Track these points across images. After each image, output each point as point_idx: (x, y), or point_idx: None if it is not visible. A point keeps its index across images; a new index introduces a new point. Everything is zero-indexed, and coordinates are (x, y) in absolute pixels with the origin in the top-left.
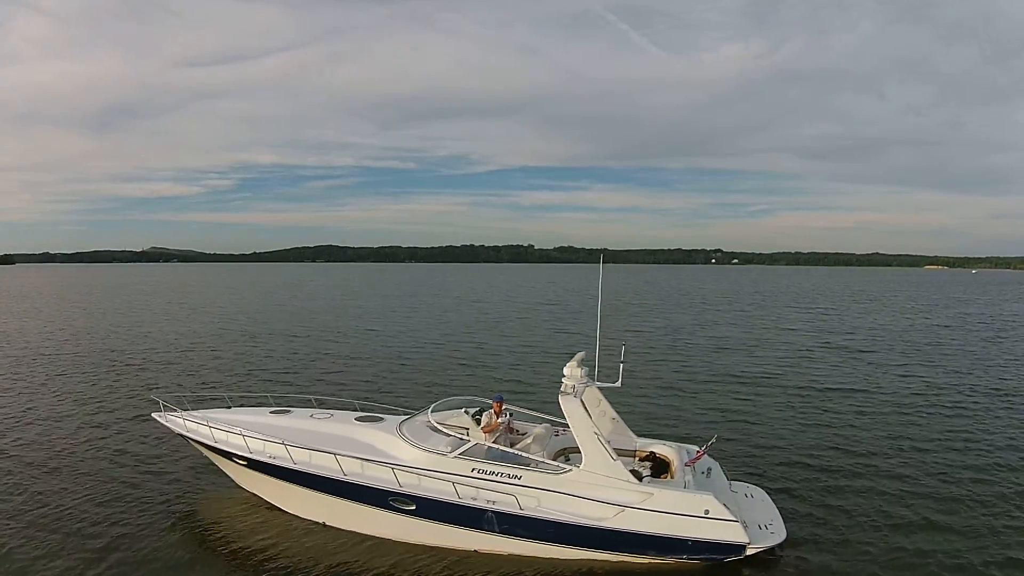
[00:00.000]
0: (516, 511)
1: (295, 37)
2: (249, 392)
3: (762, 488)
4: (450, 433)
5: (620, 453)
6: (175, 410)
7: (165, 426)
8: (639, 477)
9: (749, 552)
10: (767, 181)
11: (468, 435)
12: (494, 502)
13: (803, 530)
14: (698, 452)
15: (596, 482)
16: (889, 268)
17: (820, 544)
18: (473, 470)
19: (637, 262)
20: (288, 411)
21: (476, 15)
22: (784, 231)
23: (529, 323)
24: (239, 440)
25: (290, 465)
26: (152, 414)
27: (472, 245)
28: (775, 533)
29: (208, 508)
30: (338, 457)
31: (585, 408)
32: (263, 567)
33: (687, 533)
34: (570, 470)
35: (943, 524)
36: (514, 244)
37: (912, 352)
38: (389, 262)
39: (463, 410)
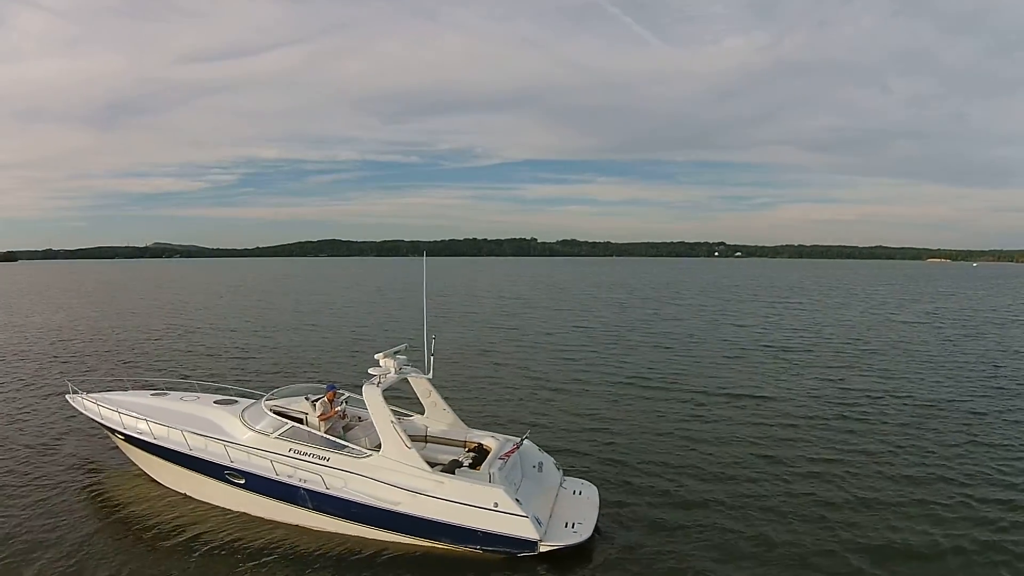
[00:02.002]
0: (323, 490)
1: (298, 31)
2: (156, 377)
3: (597, 487)
4: (277, 416)
5: (450, 443)
6: (79, 393)
7: (73, 407)
8: (458, 466)
9: (543, 549)
10: (770, 174)
11: (306, 419)
12: (305, 480)
13: (623, 533)
14: (513, 447)
15: (392, 468)
16: (891, 261)
17: (631, 549)
18: (290, 450)
19: (640, 255)
20: (165, 393)
21: (479, 8)
22: (787, 224)
23: (466, 316)
24: (117, 417)
25: (149, 439)
26: (65, 396)
27: (475, 239)
28: (577, 533)
29: (103, 481)
30: (185, 433)
31: (384, 398)
32: (124, 534)
33: (476, 524)
34: (371, 455)
35: (766, 546)
36: (517, 238)
37: (834, 353)
38: (392, 256)
39: (304, 396)
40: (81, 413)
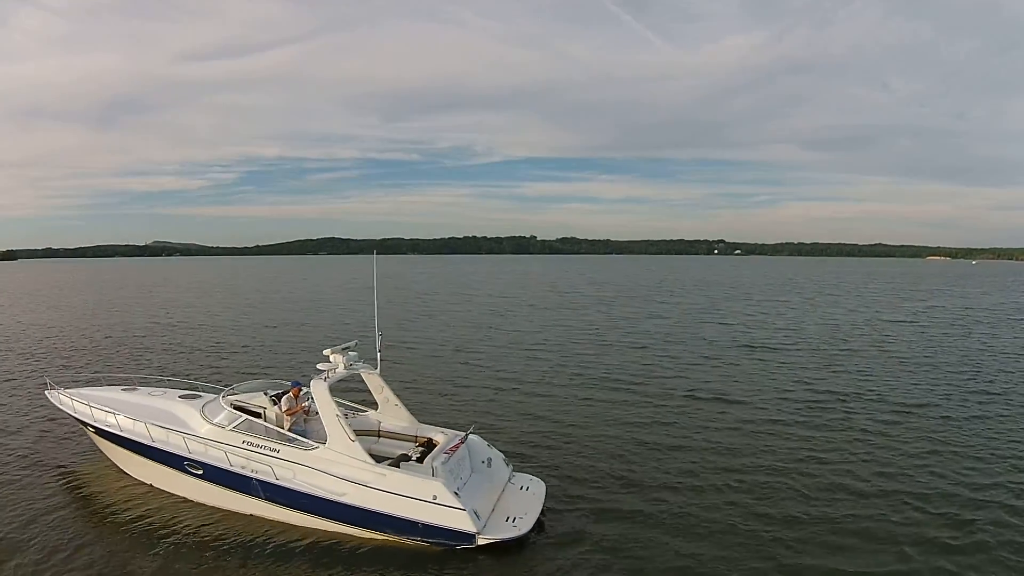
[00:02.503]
0: (274, 480)
1: (298, 29)
2: (133, 373)
3: (545, 483)
4: (234, 410)
5: (401, 438)
6: (55, 388)
7: (51, 402)
8: (406, 460)
9: (481, 542)
10: (770, 172)
11: (264, 413)
12: (257, 471)
13: (566, 529)
14: (458, 441)
15: (337, 460)
16: (891, 259)
17: (571, 545)
18: (244, 442)
19: (639, 253)
20: (135, 388)
21: (479, 6)
22: (787, 221)
23: (446, 314)
24: (89, 411)
25: (117, 431)
26: (45, 392)
27: (475, 237)
28: (517, 527)
29: (76, 472)
30: (149, 426)
31: (331, 392)
32: (89, 522)
33: (416, 516)
34: (317, 447)
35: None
36: (516, 235)
37: (811, 353)
38: (391, 254)
39: (263, 391)
40: (58, 408)
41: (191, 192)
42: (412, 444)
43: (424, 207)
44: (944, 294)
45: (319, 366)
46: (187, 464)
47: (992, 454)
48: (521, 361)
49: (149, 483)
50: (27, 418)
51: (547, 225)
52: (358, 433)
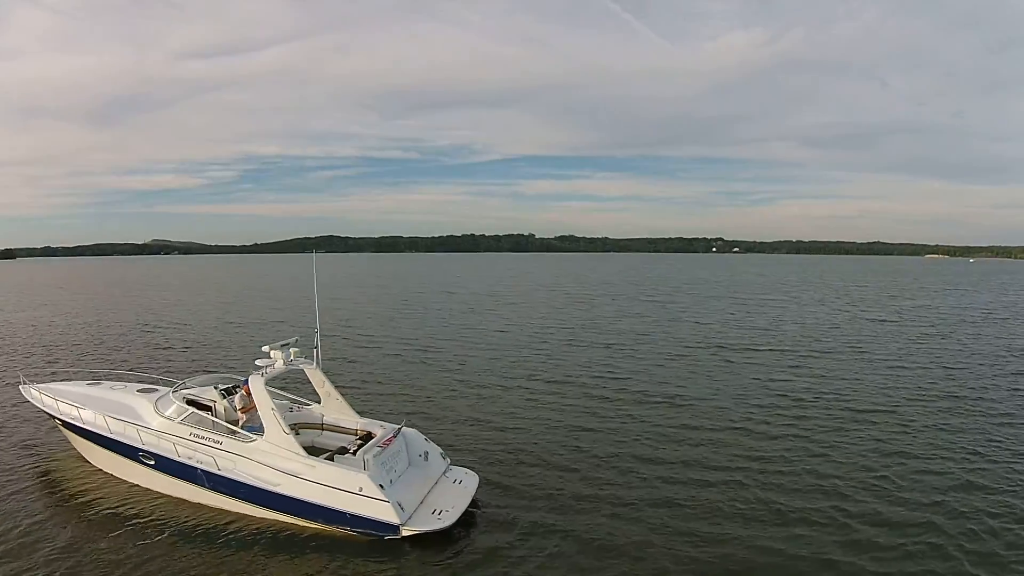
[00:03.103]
0: (216, 471)
1: (298, 28)
2: (104, 368)
3: (479, 477)
4: (184, 403)
5: (342, 431)
6: (28, 383)
7: (24, 395)
8: (344, 452)
9: (405, 533)
10: (769, 169)
11: (214, 407)
12: (202, 462)
13: (495, 522)
14: (391, 435)
15: (273, 452)
16: (889, 257)
17: (497, 538)
18: (191, 434)
19: (638, 251)
20: (100, 383)
21: (478, 4)
22: (786, 219)
23: (422, 312)
24: (56, 404)
25: (79, 423)
26: (19, 386)
27: (473, 235)
28: (441, 520)
29: (45, 462)
30: (108, 418)
31: (266, 388)
32: (54, 509)
33: (344, 507)
34: (255, 440)
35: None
36: (515, 234)
37: (782, 353)
38: (390, 252)
39: (213, 386)
40: (29, 401)
41: (190, 190)
42: (353, 437)
43: (423, 205)
44: (934, 293)
45: (257, 362)
46: (141, 455)
47: (939, 465)
48: (480, 359)
49: (109, 472)
50: (2, 411)
51: (546, 223)
52: (303, 426)
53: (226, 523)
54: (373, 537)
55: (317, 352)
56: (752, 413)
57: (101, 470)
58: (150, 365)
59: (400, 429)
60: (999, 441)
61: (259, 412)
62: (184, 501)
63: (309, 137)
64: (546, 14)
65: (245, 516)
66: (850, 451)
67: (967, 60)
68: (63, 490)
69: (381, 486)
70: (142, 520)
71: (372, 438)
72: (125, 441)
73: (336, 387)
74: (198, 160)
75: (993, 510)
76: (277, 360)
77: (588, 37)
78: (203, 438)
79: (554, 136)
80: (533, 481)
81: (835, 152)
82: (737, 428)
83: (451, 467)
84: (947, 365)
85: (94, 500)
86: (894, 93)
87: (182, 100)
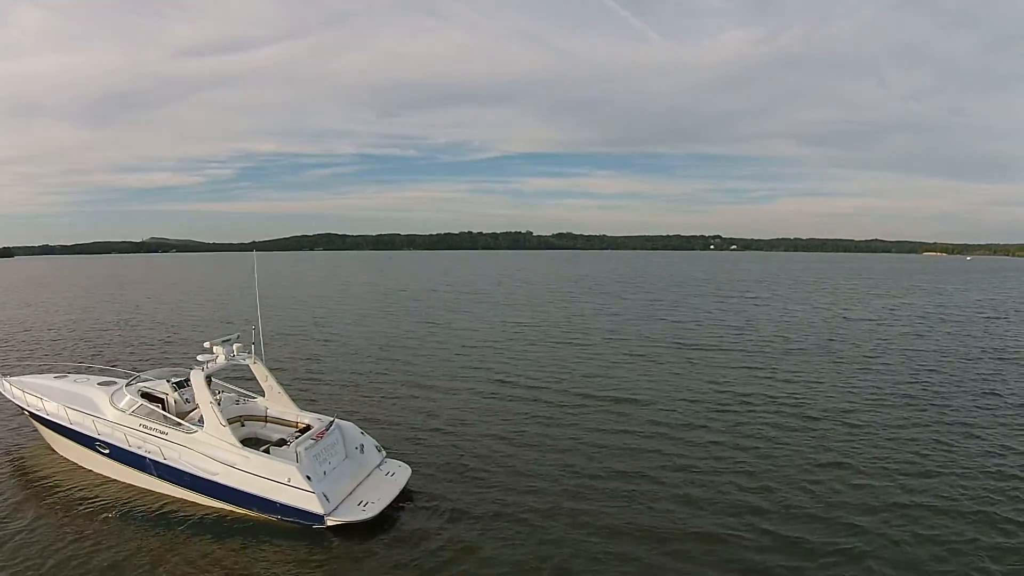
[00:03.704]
0: (162, 460)
1: (296, 25)
2: (75, 362)
3: (412, 471)
4: (136, 396)
5: (284, 423)
6: (2, 377)
7: None
8: (284, 444)
9: (330, 523)
10: (768, 167)
11: (167, 399)
12: (150, 451)
13: (422, 515)
14: (323, 429)
15: (211, 443)
16: (887, 254)
17: (422, 531)
18: (140, 425)
19: (636, 248)
20: (65, 376)
21: (477, 1)
22: (784, 217)
23: (394, 309)
24: (24, 396)
25: (44, 414)
26: None
27: (470, 232)
28: (365, 511)
29: (16, 451)
30: (69, 409)
31: (208, 383)
32: (17, 493)
33: (273, 496)
34: (196, 431)
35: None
36: (512, 231)
37: (749, 354)
38: (387, 250)
39: (166, 379)
40: (1, 393)
41: (188, 188)
42: (293, 429)
43: (420, 203)
44: (922, 291)
45: (199, 357)
46: (97, 444)
47: (886, 472)
48: (437, 357)
49: (74, 460)
50: None
51: (543, 220)
52: (247, 418)
53: (172, 510)
54: (300, 525)
55: (260, 348)
56: (697, 412)
57: (67, 459)
58: (118, 359)
59: (333, 422)
60: (950, 450)
61: (199, 405)
62: (136, 488)
63: (307, 135)
64: (544, 11)
65: (190, 503)
66: (782, 454)
67: (966, 58)
68: (29, 477)
69: (308, 477)
70: (97, 506)
71: (308, 430)
72: (83, 431)
73: (290, 381)
74: (196, 158)
75: (918, 515)
76: (219, 355)
77: (586, 34)
78: (151, 429)
79: (553, 133)
80: (469, 475)
81: (833, 149)
82: (677, 426)
83: (386, 460)
84: (915, 367)
85: (56, 486)
86: (892, 90)
87: (180, 98)
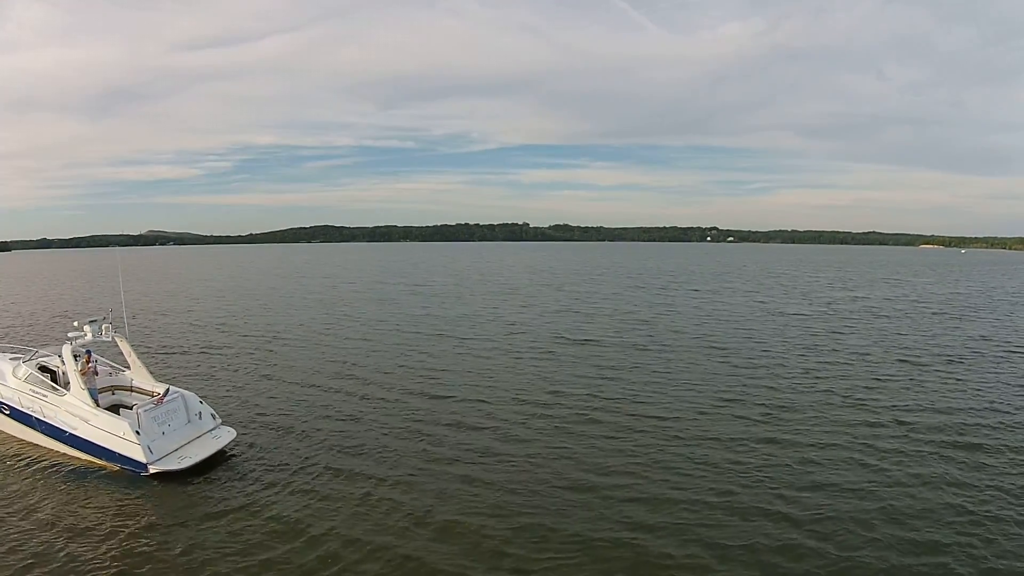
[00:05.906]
0: (42, 418)
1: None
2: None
3: (241, 436)
4: (31, 367)
5: (144, 392)
6: None
7: None
8: (130, 407)
9: (152, 470)
10: (766, 159)
11: (59, 370)
12: (34, 411)
13: (238, 473)
14: (160, 396)
15: (75, 404)
16: (884, 247)
17: (230, 485)
18: (30, 390)
19: (633, 240)
20: None
21: None
22: (782, 209)
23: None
24: None
25: None
26: None
27: (467, 224)
28: (181, 463)
29: None
30: None
31: (74, 356)
32: None
33: (111, 447)
34: (65, 394)
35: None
36: (509, 223)
37: (688, 349)
38: (384, 241)
39: (58, 354)
40: None
41: (186, 181)
42: (149, 397)
43: (418, 194)
44: (885, 284)
45: (70, 334)
46: (1, 406)
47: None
48: (333, 346)
49: None
50: None
51: (541, 212)
52: (117, 388)
53: (46, 456)
54: (131, 471)
55: (125, 329)
56: (580, 412)
57: None
58: (43, 338)
59: (168, 390)
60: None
61: (67, 373)
62: (28, 442)
63: (305, 127)
64: (543, 3)
65: (57, 452)
66: (638, 450)
67: (965, 51)
68: None
69: (137, 432)
70: (4, 457)
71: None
72: None
73: (163, 358)
74: (194, 150)
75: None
76: (87, 333)
77: (584, 26)
78: (38, 393)
79: (550, 125)
80: (291, 446)
81: (832, 142)
82: (559, 436)
83: (220, 426)
84: (846, 363)
85: None
86: (891, 83)
87: (177, 91)
